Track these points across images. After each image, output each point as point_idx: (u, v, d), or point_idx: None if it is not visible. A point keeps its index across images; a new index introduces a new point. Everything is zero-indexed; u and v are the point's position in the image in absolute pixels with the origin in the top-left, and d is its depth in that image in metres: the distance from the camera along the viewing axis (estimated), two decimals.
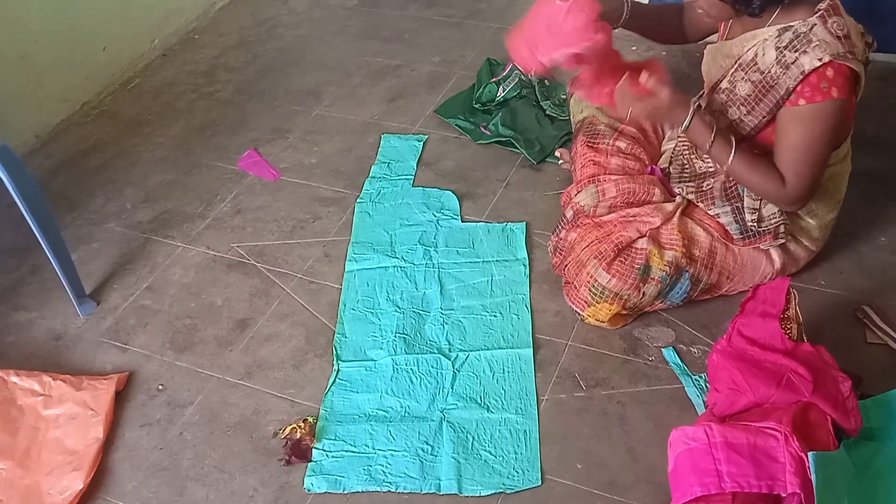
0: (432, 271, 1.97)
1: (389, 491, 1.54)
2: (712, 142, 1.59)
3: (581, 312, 1.77)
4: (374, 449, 1.60)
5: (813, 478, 1.21)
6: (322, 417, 1.67)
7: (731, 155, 1.59)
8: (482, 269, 1.96)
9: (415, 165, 2.31)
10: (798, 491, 1.22)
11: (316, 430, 1.64)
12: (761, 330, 1.47)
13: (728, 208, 1.71)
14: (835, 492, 1.23)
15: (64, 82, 2.65)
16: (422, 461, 1.57)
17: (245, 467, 1.61)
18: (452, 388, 1.70)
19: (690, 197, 1.76)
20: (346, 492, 1.54)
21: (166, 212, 2.27)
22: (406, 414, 1.66)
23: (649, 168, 1.87)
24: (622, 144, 1.88)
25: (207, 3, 3.22)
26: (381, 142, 2.42)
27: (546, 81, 2.48)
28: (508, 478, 1.53)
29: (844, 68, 1.46)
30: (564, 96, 2.40)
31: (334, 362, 1.78)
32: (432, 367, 1.75)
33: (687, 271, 1.70)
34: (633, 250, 1.71)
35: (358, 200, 2.21)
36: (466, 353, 1.76)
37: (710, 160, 1.77)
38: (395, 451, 1.60)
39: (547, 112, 2.39)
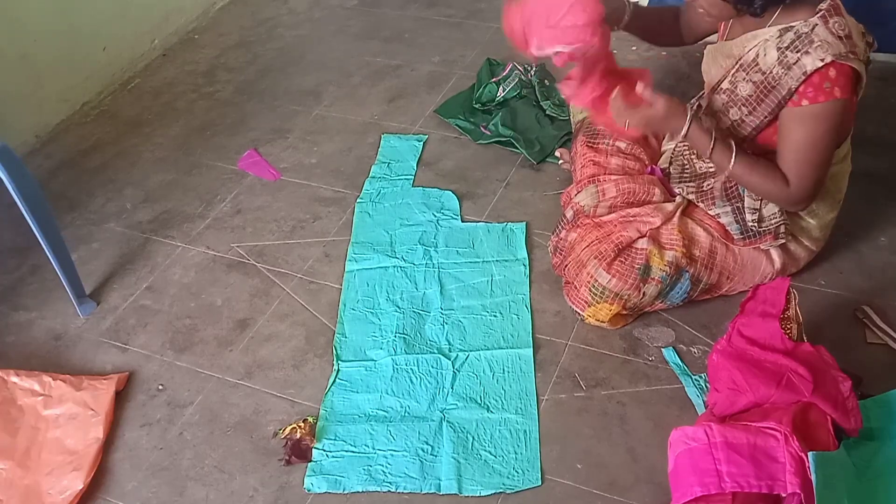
0: (432, 271, 1.97)
1: (389, 491, 1.54)
2: (712, 147, 1.59)
3: (581, 312, 1.77)
4: (374, 449, 1.60)
5: (813, 478, 1.21)
6: (322, 417, 1.67)
7: (732, 159, 1.59)
8: (482, 269, 1.96)
9: (415, 165, 2.31)
10: (798, 491, 1.22)
11: (316, 430, 1.64)
12: (761, 330, 1.47)
13: (728, 208, 1.71)
14: (835, 492, 1.23)
15: (64, 82, 2.65)
16: (422, 461, 1.57)
17: (245, 467, 1.61)
18: (452, 388, 1.70)
19: (691, 197, 1.76)
20: (346, 492, 1.54)
21: (166, 212, 2.27)
22: (406, 414, 1.66)
23: (649, 168, 1.87)
24: (622, 144, 1.88)
25: (207, 3, 3.22)
26: (381, 142, 2.42)
27: (546, 81, 2.48)
28: (508, 478, 1.53)
29: (847, 68, 1.46)
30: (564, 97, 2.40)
31: (334, 362, 1.78)
32: (432, 367, 1.75)
33: (687, 271, 1.70)
34: (634, 250, 1.71)
35: (358, 200, 2.21)
36: (466, 353, 1.76)
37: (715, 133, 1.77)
38: (395, 451, 1.60)
39: (547, 112, 2.39)
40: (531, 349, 1.75)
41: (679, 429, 1.35)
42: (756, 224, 1.68)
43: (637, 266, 1.68)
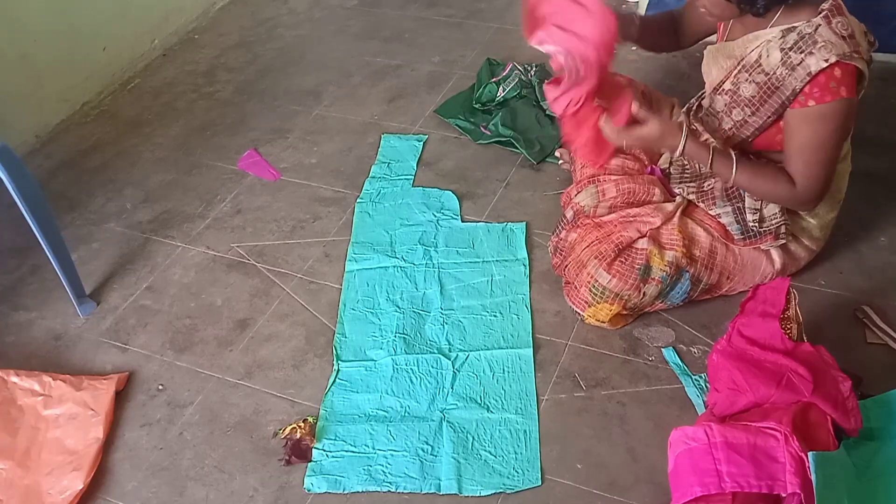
0: (432, 271, 1.97)
1: (389, 491, 1.54)
2: (711, 159, 1.59)
3: (581, 312, 1.77)
4: (374, 449, 1.60)
5: (813, 478, 1.21)
6: (322, 417, 1.67)
7: (734, 169, 1.59)
8: (482, 269, 1.96)
9: (415, 165, 2.31)
10: (798, 491, 1.22)
11: (316, 430, 1.64)
12: (761, 330, 1.47)
13: (729, 208, 1.71)
14: (835, 492, 1.23)
15: (64, 82, 2.65)
16: (422, 461, 1.57)
17: (245, 467, 1.61)
18: (452, 388, 1.70)
19: (691, 197, 1.76)
20: (346, 492, 1.54)
21: (166, 212, 2.27)
22: (406, 414, 1.66)
23: (649, 168, 1.87)
24: None
25: (207, 3, 3.22)
26: (381, 142, 2.42)
27: (546, 81, 2.48)
28: (508, 478, 1.53)
29: (851, 67, 1.46)
30: None
31: (334, 362, 1.78)
32: (432, 367, 1.75)
33: (687, 271, 1.70)
34: (634, 250, 1.71)
35: (358, 200, 2.21)
36: (466, 353, 1.76)
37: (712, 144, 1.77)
38: (395, 451, 1.60)
39: (547, 112, 2.38)
40: (531, 349, 1.75)
41: (679, 429, 1.35)
42: (757, 224, 1.68)
43: (637, 266, 1.68)
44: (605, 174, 1.83)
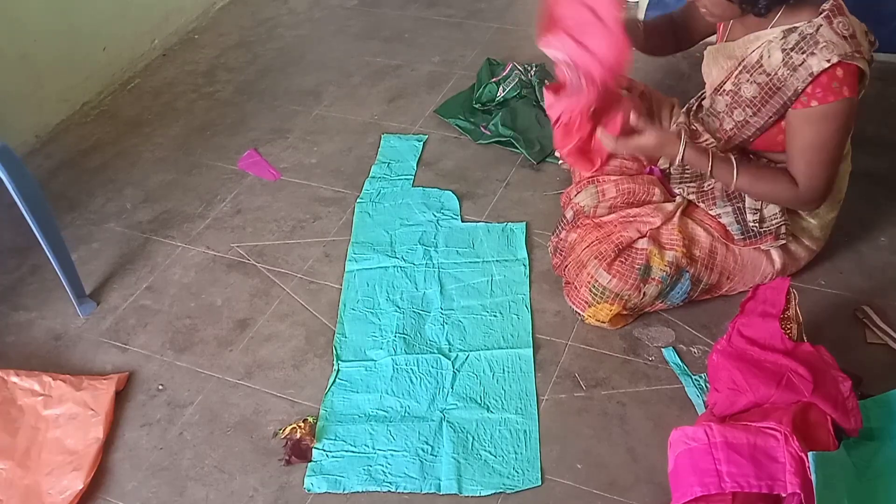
0: (432, 271, 1.97)
1: (389, 491, 1.54)
2: (711, 166, 1.60)
3: (581, 313, 1.77)
4: (374, 449, 1.60)
5: (813, 478, 1.21)
6: (322, 417, 1.67)
7: (735, 173, 1.59)
8: (482, 269, 1.96)
9: (415, 165, 2.31)
10: (798, 491, 1.21)
11: (316, 430, 1.64)
12: (761, 330, 1.47)
13: (729, 209, 1.71)
14: (835, 492, 1.23)
15: (64, 82, 2.65)
16: (422, 461, 1.57)
17: (245, 467, 1.61)
18: (452, 388, 1.70)
19: (691, 197, 1.76)
20: (346, 492, 1.54)
21: (166, 212, 2.27)
22: (406, 414, 1.66)
23: (648, 168, 1.87)
24: None
25: (207, 3, 3.22)
26: (381, 142, 2.42)
27: (546, 81, 2.48)
28: (508, 478, 1.53)
29: (853, 67, 1.46)
30: None
31: (334, 362, 1.78)
32: (432, 367, 1.75)
33: (687, 271, 1.70)
34: (634, 250, 1.71)
35: (358, 200, 2.21)
36: (466, 353, 1.76)
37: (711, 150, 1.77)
38: (395, 451, 1.60)
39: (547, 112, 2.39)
40: (531, 349, 1.75)
41: (679, 429, 1.35)
42: (757, 224, 1.68)
43: (637, 266, 1.68)
44: (604, 174, 1.83)
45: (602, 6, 1.51)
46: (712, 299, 1.79)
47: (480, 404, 1.66)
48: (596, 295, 1.71)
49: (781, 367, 1.40)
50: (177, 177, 2.40)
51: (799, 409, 1.33)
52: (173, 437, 1.68)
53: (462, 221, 2.10)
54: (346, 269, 2.00)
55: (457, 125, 2.43)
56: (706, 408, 1.53)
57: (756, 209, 1.68)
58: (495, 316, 1.84)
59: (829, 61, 1.45)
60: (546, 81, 2.47)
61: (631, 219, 1.76)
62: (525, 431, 1.60)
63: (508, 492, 1.51)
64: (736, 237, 1.71)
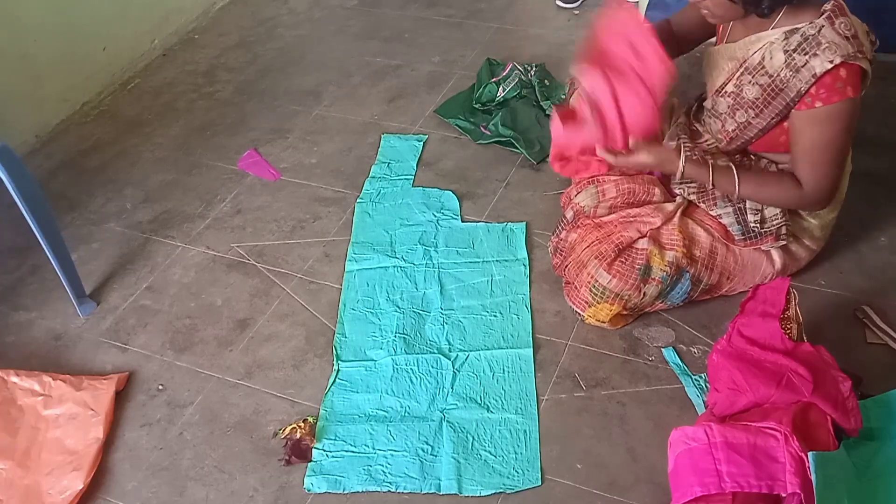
0: (432, 271, 1.97)
1: (389, 491, 1.54)
2: (712, 176, 1.60)
3: (581, 313, 1.77)
4: (374, 449, 1.60)
5: (813, 478, 1.21)
6: (322, 417, 1.67)
7: (737, 182, 1.60)
8: (482, 269, 1.96)
9: (415, 165, 2.31)
10: (798, 491, 1.21)
11: (316, 430, 1.64)
12: (761, 330, 1.47)
13: (730, 209, 1.70)
14: (835, 492, 1.23)
15: (64, 82, 2.65)
16: (422, 461, 1.57)
17: (245, 467, 1.61)
18: (452, 388, 1.70)
19: (692, 198, 1.76)
20: (346, 492, 1.54)
21: (166, 212, 2.27)
22: (406, 414, 1.66)
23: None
24: None
25: (207, 3, 3.22)
26: (381, 142, 2.42)
27: (546, 81, 2.48)
28: (508, 478, 1.53)
29: (856, 67, 1.46)
30: (564, 96, 2.40)
31: (334, 362, 1.78)
32: (432, 367, 1.75)
33: (687, 271, 1.70)
34: (634, 251, 1.71)
35: (358, 200, 2.21)
36: (466, 353, 1.76)
37: (711, 160, 1.77)
38: (395, 451, 1.60)
39: (547, 112, 2.38)
40: (531, 349, 1.75)
41: (679, 429, 1.35)
42: (758, 225, 1.68)
43: (637, 266, 1.68)
44: (604, 174, 1.83)
45: (650, 61, 1.52)
46: (712, 299, 1.79)
47: (480, 404, 1.66)
48: (596, 295, 1.71)
49: (781, 367, 1.40)
50: (177, 177, 2.40)
51: (799, 409, 1.33)
52: (173, 437, 1.68)
53: (462, 221, 2.10)
54: (346, 269, 2.00)
55: (457, 125, 2.43)
56: (706, 408, 1.53)
57: (757, 210, 1.68)
58: (495, 316, 1.84)
59: (831, 62, 1.45)
60: (546, 81, 2.47)
61: (631, 219, 1.76)
62: (525, 431, 1.60)
63: (508, 492, 1.51)
64: (736, 238, 1.71)
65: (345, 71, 2.80)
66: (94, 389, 1.73)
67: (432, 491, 1.52)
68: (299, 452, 1.60)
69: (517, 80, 2.46)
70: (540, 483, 1.52)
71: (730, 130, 1.67)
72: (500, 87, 2.45)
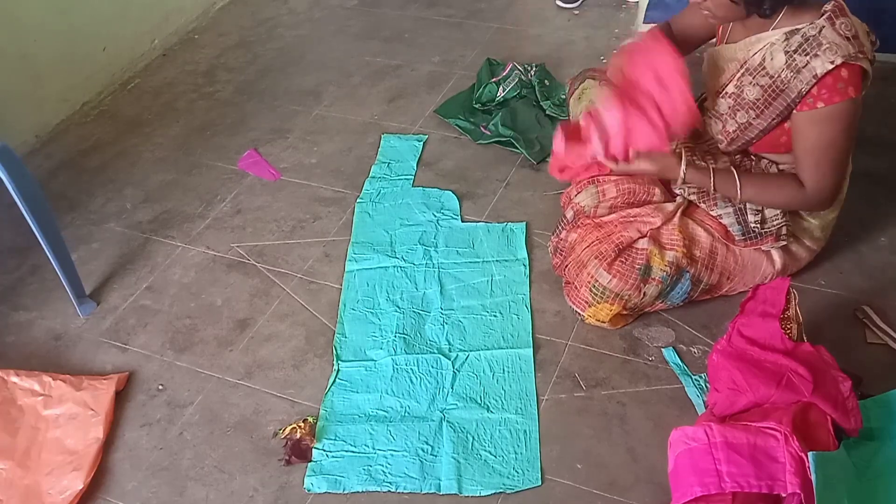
0: (432, 271, 1.97)
1: (389, 491, 1.54)
2: (714, 182, 1.61)
3: (581, 312, 1.77)
4: (374, 449, 1.60)
5: (813, 478, 1.21)
6: (322, 417, 1.67)
7: (738, 187, 1.60)
8: (482, 269, 1.96)
9: (415, 165, 2.31)
10: (798, 491, 1.21)
11: (316, 430, 1.64)
12: (761, 330, 1.47)
13: (730, 209, 1.70)
14: (835, 492, 1.23)
15: (64, 82, 2.65)
16: (422, 461, 1.57)
17: (245, 467, 1.61)
18: (452, 388, 1.70)
19: (693, 198, 1.76)
20: (346, 492, 1.54)
21: (166, 212, 2.27)
22: (406, 414, 1.66)
23: None
24: None
25: (207, 3, 3.22)
26: (381, 142, 2.42)
27: (546, 81, 2.48)
28: (508, 478, 1.53)
29: (857, 67, 1.47)
30: (564, 96, 2.40)
31: (334, 362, 1.78)
32: (432, 367, 1.75)
33: (688, 271, 1.70)
34: (634, 250, 1.71)
35: (358, 200, 2.21)
36: (466, 353, 1.76)
37: (712, 162, 1.77)
38: (395, 451, 1.60)
39: (547, 112, 2.39)
40: (531, 349, 1.75)
41: (679, 429, 1.35)
42: (758, 225, 1.68)
43: (638, 266, 1.68)
44: (605, 174, 1.83)
45: (676, 102, 1.52)
46: (712, 299, 1.79)
47: (480, 404, 1.66)
48: (596, 295, 1.71)
49: (781, 367, 1.40)
50: (177, 177, 2.40)
51: (799, 409, 1.33)
52: (173, 437, 1.68)
53: (462, 221, 2.10)
54: (346, 269, 2.00)
55: (457, 125, 2.43)
56: (706, 408, 1.53)
57: (757, 210, 1.68)
58: (495, 316, 1.84)
59: (832, 63, 1.45)
60: (546, 81, 2.47)
61: (631, 219, 1.76)
62: (525, 431, 1.60)
63: (508, 492, 1.51)
64: (737, 238, 1.71)
65: (345, 71, 2.80)
66: (94, 389, 1.73)
67: (432, 491, 1.52)
68: (299, 452, 1.60)
69: (517, 80, 2.46)
70: (540, 483, 1.52)
71: (730, 131, 1.67)
72: (500, 87, 2.46)
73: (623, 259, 1.70)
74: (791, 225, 1.69)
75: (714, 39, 1.77)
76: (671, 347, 1.73)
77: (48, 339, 1.93)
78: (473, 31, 2.94)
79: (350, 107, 2.61)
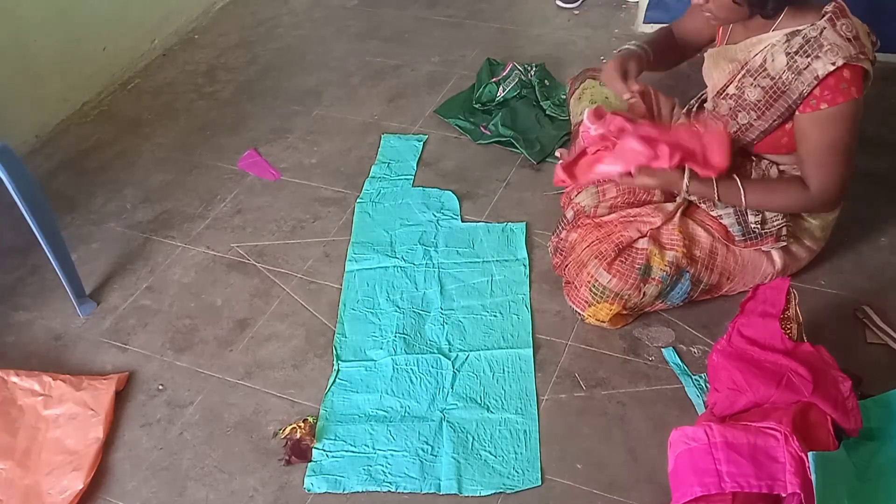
0: (432, 271, 1.97)
1: (389, 491, 1.54)
2: (717, 193, 1.61)
3: (581, 312, 1.77)
4: (374, 449, 1.60)
5: (813, 478, 1.21)
6: (322, 417, 1.67)
7: (742, 194, 1.61)
8: (482, 269, 1.96)
9: (415, 165, 2.31)
10: (798, 491, 1.21)
11: (316, 430, 1.64)
12: (761, 330, 1.47)
13: (731, 209, 1.70)
14: (835, 492, 1.23)
15: (64, 82, 2.65)
16: (422, 461, 1.57)
17: (245, 467, 1.61)
18: (452, 388, 1.70)
19: (693, 198, 1.76)
20: (346, 492, 1.54)
21: (166, 212, 2.27)
22: (406, 414, 1.66)
23: None
24: None
25: (207, 3, 3.22)
26: (381, 142, 2.42)
27: (546, 81, 2.48)
28: (508, 478, 1.53)
29: (859, 68, 1.47)
30: (564, 96, 2.40)
31: (334, 362, 1.78)
32: (432, 367, 1.75)
33: (687, 271, 1.70)
34: (634, 250, 1.71)
35: (358, 200, 2.21)
36: (466, 353, 1.76)
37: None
38: (395, 451, 1.60)
39: (547, 112, 2.39)
40: (531, 349, 1.75)
41: (679, 429, 1.35)
42: (759, 226, 1.68)
43: (637, 266, 1.68)
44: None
45: (713, 155, 1.59)
46: (712, 299, 1.79)
47: (480, 404, 1.66)
48: (596, 294, 1.71)
49: (781, 367, 1.40)
50: (177, 177, 2.40)
51: (799, 409, 1.33)
52: (173, 437, 1.68)
53: (462, 221, 2.10)
54: (346, 269, 2.00)
55: (457, 125, 2.43)
56: (706, 408, 1.53)
57: (758, 211, 1.68)
58: (495, 316, 1.84)
59: (834, 64, 1.45)
60: (546, 81, 2.47)
61: (631, 219, 1.76)
62: (525, 431, 1.60)
63: (508, 492, 1.51)
64: (737, 238, 1.71)
65: (345, 71, 2.80)
66: (94, 389, 1.73)
67: (432, 491, 1.52)
68: (299, 452, 1.60)
69: (517, 80, 2.46)
70: (540, 483, 1.52)
71: (731, 132, 1.67)
72: (500, 87, 2.46)
73: (623, 259, 1.70)
74: (791, 225, 1.69)
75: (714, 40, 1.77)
76: (671, 347, 1.73)
77: (48, 339, 1.93)
78: (473, 31, 2.94)
79: (350, 107, 2.61)
